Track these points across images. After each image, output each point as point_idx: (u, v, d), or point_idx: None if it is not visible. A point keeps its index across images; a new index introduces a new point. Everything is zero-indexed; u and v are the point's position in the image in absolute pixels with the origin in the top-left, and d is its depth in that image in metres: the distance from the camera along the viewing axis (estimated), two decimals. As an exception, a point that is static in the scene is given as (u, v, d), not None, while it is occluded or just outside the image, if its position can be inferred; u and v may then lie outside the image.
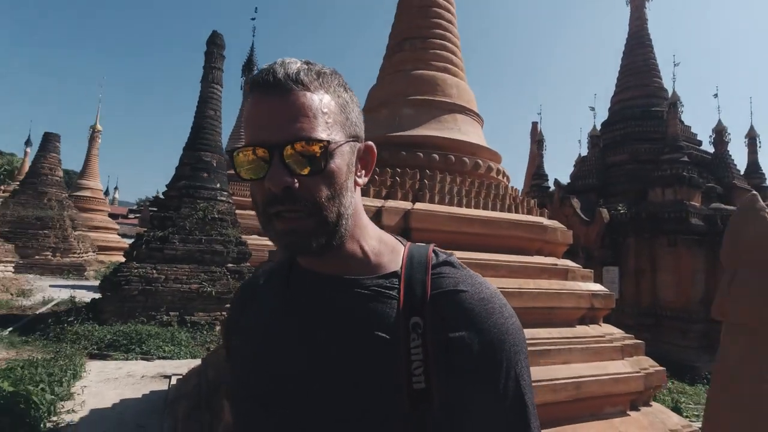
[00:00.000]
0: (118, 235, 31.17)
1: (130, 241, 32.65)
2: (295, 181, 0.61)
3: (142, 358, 8.53)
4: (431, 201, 4.42)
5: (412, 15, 5.95)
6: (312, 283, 0.70)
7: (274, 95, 0.62)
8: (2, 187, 27.17)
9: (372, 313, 0.64)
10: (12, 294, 13.24)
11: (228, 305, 10.48)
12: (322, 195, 0.63)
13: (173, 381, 7.01)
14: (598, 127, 14.96)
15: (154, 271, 10.00)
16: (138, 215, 47.70)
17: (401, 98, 5.40)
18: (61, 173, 22.46)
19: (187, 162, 11.62)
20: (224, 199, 11.93)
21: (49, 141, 21.39)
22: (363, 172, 0.71)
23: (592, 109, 15.50)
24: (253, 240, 14.57)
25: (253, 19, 22.45)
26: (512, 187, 5.13)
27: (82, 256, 22.05)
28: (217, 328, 10.42)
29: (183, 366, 7.94)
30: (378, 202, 4.25)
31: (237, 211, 13.12)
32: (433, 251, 0.71)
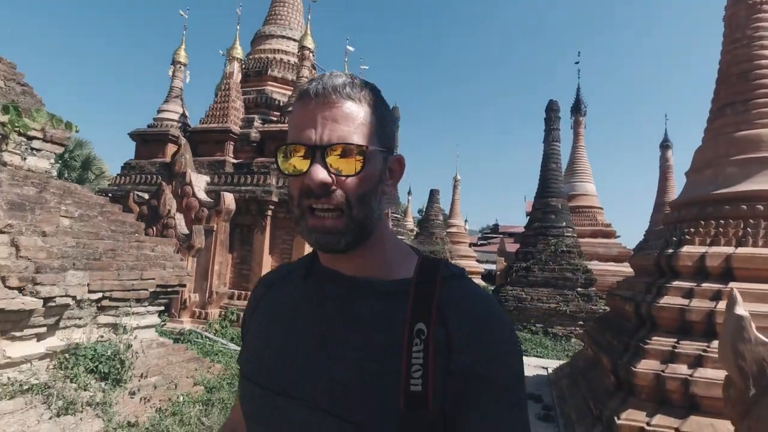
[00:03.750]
0: (476, 261, 38.67)
1: (485, 265, 39.31)
2: (333, 179, 0.66)
3: (523, 354, 12.05)
4: (754, 245, 5.72)
5: (731, 83, 7.05)
6: (330, 280, 0.74)
7: (321, 103, 0.68)
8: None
9: (381, 315, 0.68)
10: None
11: (580, 323, 12.88)
12: (354, 196, 0.68)
13: (549, 370, 10.02)
14: None
15: (523, 293, 13.59)
16: (484, 242, 56.61)
17: (724, 159, 6.66)
18: (441, 217, 30.82)
19: (539, 207, 14.94)
20: (570, 234, 14.51)
21: (433, 195, 30.04)
22: (391, 181, 0.76)
23: None
24: (594, 265, 16.37)
25: (577, 63, 24.55)
26: None
27: (458, 279, 29.25)
28: (573, 340, 12.92)
29: (551, 362, 10.90)
30: (702, 249, 5.98)
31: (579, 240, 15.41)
32: (445, 264, 0.75)
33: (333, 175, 0.66)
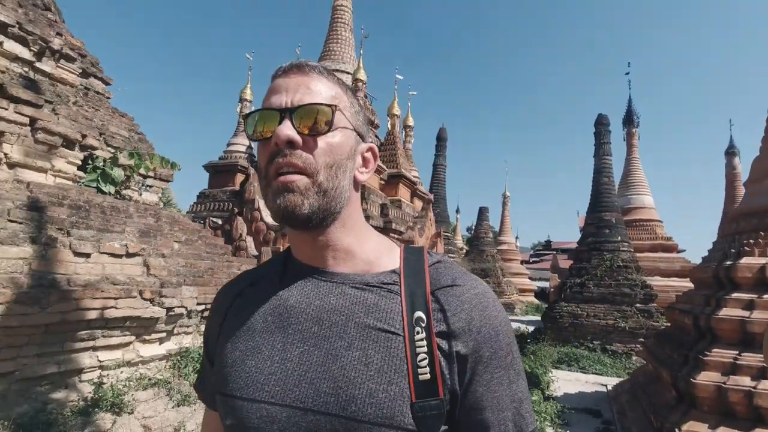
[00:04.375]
0: (528, 278, 37.84)
1: (538, 283, 38.32)
2: (299, 139, 0.65)
3: (580, 371, 11.89)
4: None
5: (787, 93, 7.01)
6: (311, 276, 0.71)
7: (294, 73, 0.68)
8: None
9: (377, 308, 0.66)
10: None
11: (640, 339, 12.51)
12: (321, 160, 0.66)
13: (608, 387, 9.90)
14: None
15: (578, 309, 13.43)
16: (536, 259, 55.16)
17: (782, 169, 6.61)
18: (491, 235, 30.67)
19: (591, 222, 14.79)
20: (626, 249, 14.22)
21: (483, 213, 30.05)
22: (364, 169, 0.74)
23: None
24: (655, 281, 15.80)
25: (627, 73, 24.06)
26: None
27: (510, 297, 28.85)
28: (634, 357, 12.56)
29: (610, 380, 10.72)
30: (762, 260, 5.98)
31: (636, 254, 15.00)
32: (427, 252, 0.75)
33: (300, 135, 0.65)
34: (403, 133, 17.32)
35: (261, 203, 11.00)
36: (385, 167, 12.95)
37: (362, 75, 12.18)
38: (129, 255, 4.07)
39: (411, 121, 18.19)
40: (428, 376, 0.62)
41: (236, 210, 10.95)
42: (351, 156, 0.70)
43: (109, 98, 5.83)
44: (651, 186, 23.48)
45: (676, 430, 5.37)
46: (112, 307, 3.73)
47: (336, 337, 0.65)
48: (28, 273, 3.33)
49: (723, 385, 5.21)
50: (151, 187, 5.71)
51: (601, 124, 15.47)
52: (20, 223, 3.49)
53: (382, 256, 0.73)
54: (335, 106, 0.67)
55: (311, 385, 0.62)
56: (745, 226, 6.72)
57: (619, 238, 14.31)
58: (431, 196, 16.44)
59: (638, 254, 16.05)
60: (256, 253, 10.56)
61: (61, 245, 3.59)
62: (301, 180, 0.64)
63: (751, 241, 6.27)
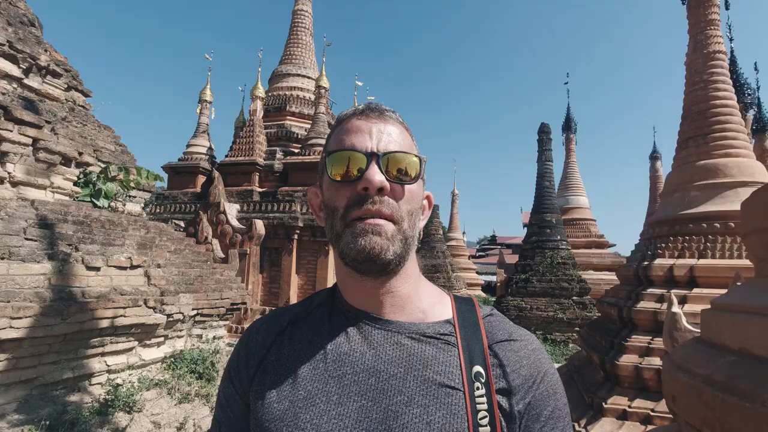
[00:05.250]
0: (476, 273, 39.80)
1: (484, 277, 40.25)
2: (389, 186, 0.64)
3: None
4: (712, 257, 6.94)
5: (693, 119, 8.35)
6: (365, 325, 0.68)
7: (374, 117, 0.68)
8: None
9: (435, 361, 0.63)
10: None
11: (576, 329, 14.01)
12: (405, 209, 0.66)
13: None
14: None
15: (523, 302, 14.74)
16: (482, 254, 58.00)
17: (688, 184, 7.92)
18: (441, 232, 32.00)
19: (535, 222, 16.17)
20: (564, 246, 15.72)
21: (434, 210, 31.31)
22: (422, 216, 0.73)
23: None
24: (589, 275, 17.57)
25: (566, 83, 26.09)
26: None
27: (459, 291, 30.38)
28: (571, 345, 14.03)
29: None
30: (671, 261, 7.19)
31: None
32: (476, 303, 0.73)
33: (390, 182, 0.64)
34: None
35: (226, 206, 11.20)
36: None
37: (325, 82, 12.62)
38: (133, 267, 4.41)
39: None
40: None
41: (201, 213, 11.09)
42: (421, 205, 0.71)
43: (88, 109, 5.98)
44: (586, 186, 25.75)
45: (603, 403, 6.44)
46: (121, 315, 4.08)
47: (395, 391, 0.61)
48: (49, 287, 3.63)
49: (639, 365, 6.33)
50: (134, 197, 5.95)
51: (544, 132, 16.88)
52: (35, 240, 3.77)
53: (436, 304, 0.72)
54: (424, 158, 0.68)
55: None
56: (659, 231, 7.98)
57: (559, 237, 15.78)
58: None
59: (575, 250, 17.74)
60: (223, 256, 10.79)
61: (74, 260, 3.90)
62: (388, 225, 0.64)
63: (663, 245, 7.51)
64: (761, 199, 1.96)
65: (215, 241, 10.85)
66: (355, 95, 17.69)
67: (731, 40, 16.17)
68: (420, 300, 0.70)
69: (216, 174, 11.50)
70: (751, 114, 16.61)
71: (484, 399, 0.61)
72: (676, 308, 3.80)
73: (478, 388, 0.62)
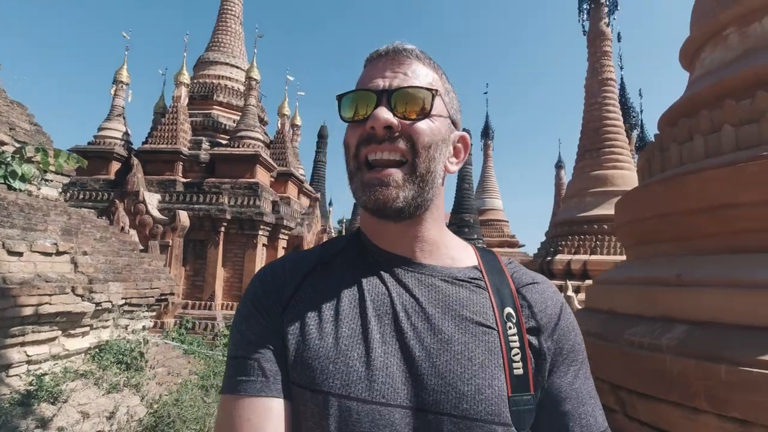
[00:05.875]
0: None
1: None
2: (398, 124, 0.63)
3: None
4: (601, 254, 8.10)
5: (589, 135, 9.62)
6: (399, 269, 0.68)
7: (391, 59, 0.67)
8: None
9: (470, 302, 0.65)
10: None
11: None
12: (420, 143, 0.63)
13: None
14: None
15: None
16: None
17: (584, 191, 9.14)
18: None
19: (454, 222, 17.27)
20: (480, 245, 17.05)
21: (357, 207, 31.81)
22: (455, 159, 0.71)
23: None
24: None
25: (486, 93, 28.00)
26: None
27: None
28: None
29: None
30: (569, 256, 8.27)
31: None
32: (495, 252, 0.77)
33: (398, 120, 0.63)
34: (291, 131, 17.77)
35: (146, 195, 10.64)
36: (275, 165, 13.40)
37: (256, 74, 12.44)
38: (59, 253, 4.22)
39: (299, 120, 18.68)
40: (521, 371, 0.62)
41: (117, 201, 10.41)
42: (446, 144, 0.68)
43: (-1, 86, 5.49)
44: (500, 190, 27.87)
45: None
46: (46, 303, 3.91)
47: (435, 330, 0.62)
48: (-33, 272, 3.41)
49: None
50: (50, 181, 5.58)
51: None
52: (-51, 222, 3.51)
53: (462, 251, 0.73)
54: (435, 90, 0.66)
55: (419, 382, 0.59)
56: (560, 231, 9.12)
57: (476, 236, 17.03)
58: (317, 195, 17.26)
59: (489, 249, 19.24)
60: (141, 248, 10.23)
61: (-5, 244, 3.68)
62: (397, 173, 0.62)
63: (563, 243, 8.61)
64: (624, 201, 2.59)
65: (133, 232, 10.25)
66: (286, 90, 17.54)
67: (621, 68, 18.60)
68: (447, 247, 0.71)
69: (135, 161, 10.86)
70: (635, 133, 19.29)
71: (516, 338, 0.64)
72: (570, 292, 4.59)
73: (510, 328, 0.64)
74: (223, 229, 10.71)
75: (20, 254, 3.87)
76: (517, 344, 0.63)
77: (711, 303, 1.75)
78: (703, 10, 2.64)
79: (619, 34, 15.17)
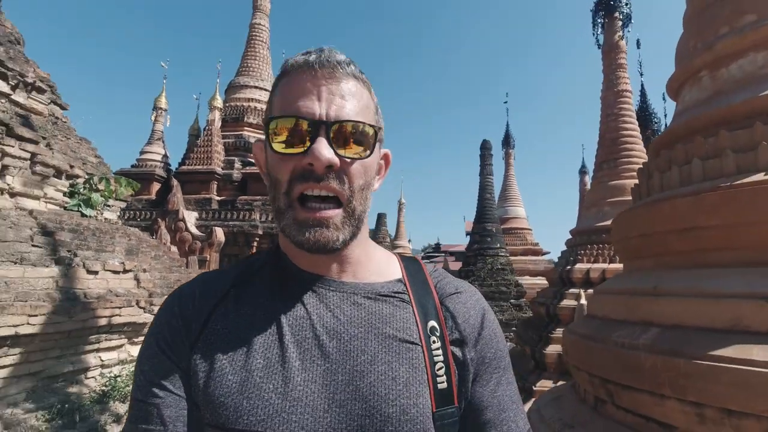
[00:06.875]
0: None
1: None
2: (338, 162, 0.59)
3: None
4: (619, 262, 8.29)
5: (606, 146, 9.86)
6: (319, 288, 0.65)
7: (325, 76, 0.60)
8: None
9: (394, 318, 0.64)
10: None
11: (513, 329, 15.42)
12: (357, 185, 0.61)
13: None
14: None
15: (466, 305, 16.02)
16: (427, 261, 59.89)
17: (602, 201, 9.36)
18: (389, 240, 33.08)
19: (476, 231, 17.57)
20: (503, 254, 17.22)
21: (381, 219, 32.37)
22: (378, 177, 0.69)
23: None
24: (525, 280, 19.34)
25: (506, 102, 28.30)
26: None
27: (407, 297, 31.51)
28: (508, 343, 15.44)
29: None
30: (588, 265, 8.51)
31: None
32: (421, 261, 0.75)
33: (339, 157, 0.59)
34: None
35: (185, 213, 11.43)
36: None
37: (284, 96, 13.19)
38: (125, 271, 4.85)
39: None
40: (445, 384, 0.61)
41: (159, 220, 11.23)
42: (376, 170, 0.67)
43: (66, 123, 6.26)
44: (523, 198, 27.94)
45: (533, 387, 7.56)
46: (117, 315, 4.53)
47: (358, 351, 0.60)
48: (57, 289, 4.05)
49: (561, 353, 7.52)
50: (111, 206, 6.30)
51: (485, 149, 18.42)
52: (41, 247, 4.17)
53: (385, 265, 0.72)
54: (379, 128, 0.63)
55: (342, 408, 0.57)
56: (580, 241, 9.36)
57: (498, 245, 17.27)
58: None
59: (512, 257, 19.37)
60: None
61: (76, 265, 4.33)
62: (336, 216, 0.60)
63: (582, 252, 8.86)
64: (618, 222, 2.98)
65: (173, 248, 11.04)
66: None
67: (641, 75, 18.63)
68: (370, 261, 0.70)
69: (174, 182, 11.69)
70: (658, 139, 19.25)
71: (440, 351, 0.63)
72: (583, 300, 4.91)
73: (434, 342, 0.63)
74: (255, 243, 11.38)
75: (96, 273, 4.51)
76: (441, 358, 0.63)
77: (678, 309, 2.13)
78: (682, 52, 3.03)
79: (638, 41, 15.30)
